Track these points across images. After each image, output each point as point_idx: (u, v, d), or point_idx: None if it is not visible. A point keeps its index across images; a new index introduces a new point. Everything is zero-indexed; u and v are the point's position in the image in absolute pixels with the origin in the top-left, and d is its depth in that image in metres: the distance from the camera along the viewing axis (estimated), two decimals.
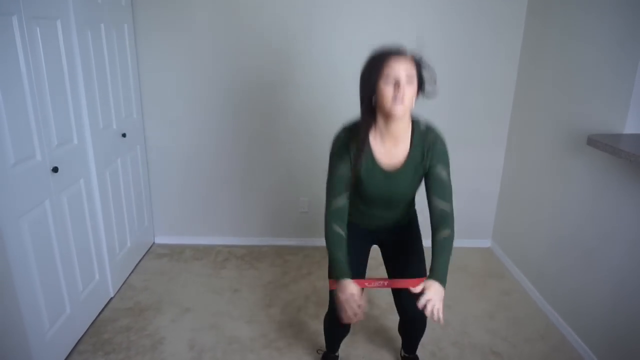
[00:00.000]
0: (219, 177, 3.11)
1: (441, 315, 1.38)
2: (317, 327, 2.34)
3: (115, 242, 2.59)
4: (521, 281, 2.80)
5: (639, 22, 1.86)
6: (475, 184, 3.13)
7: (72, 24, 2.09)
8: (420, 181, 1.61)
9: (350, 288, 1.44)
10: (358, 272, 1.74)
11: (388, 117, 1.45)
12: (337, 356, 2.06)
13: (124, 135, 2.66)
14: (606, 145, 1.81)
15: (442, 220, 1.53)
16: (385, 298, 2.51)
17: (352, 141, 1.53)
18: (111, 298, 2.56)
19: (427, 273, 1.51)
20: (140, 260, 2.99)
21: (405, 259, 1.78)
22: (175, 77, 2.88)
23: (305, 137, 3.01)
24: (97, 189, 2.36)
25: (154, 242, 3.24)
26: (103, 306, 2.47)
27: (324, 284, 2.75)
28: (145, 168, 3.04)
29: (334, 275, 1.51)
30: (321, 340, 2.23)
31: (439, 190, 1.54)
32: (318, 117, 2.96)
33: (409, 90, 1.40)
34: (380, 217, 1.73)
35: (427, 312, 1.37)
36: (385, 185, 1.58)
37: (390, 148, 1.54)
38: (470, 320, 2.44)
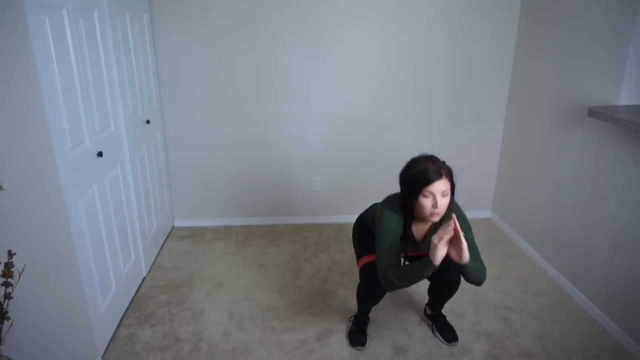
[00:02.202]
0: (233, 161, 3.24)
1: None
2: (344, 293, 2.54)
3: (145, 225, 2.72)
4: (522, 246, 3.04)
5: (630, 1, 2.08)
6: (475, 158, 3.35)
7: (106, 15, 2.19)
8: None
9: (435, 251, 1.60)
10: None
11: (424, 219, 1.78)
12: (369, 318, 2.27)
13: (148, 122, 2.77)
14: (606, 115, 2.03)
15: (477, 275, 1.77)
16: None
17: (399, 223, 1.83)
18: (144, 277, 2.69)
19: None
20: (164, 243, 3.12)
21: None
22: (191, 64, 2.99)
23: (319, 120, 3.17)
24: (131, 173, 2.48)
25: (173, 226, 3.36)
26: (139, 284, 2.61)
27: (342, 256, 2.94)
28: (165, 153, 3.15)
29: (425, 271, 1.68)
30: (349, 305, 2.43)
31: (470, 252, 1.67)
32: (331, 100, 3.12)
33: (444, 202, 1.70)
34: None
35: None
36: (414, 249, 1.95)
37: (419, 226, 1.90)
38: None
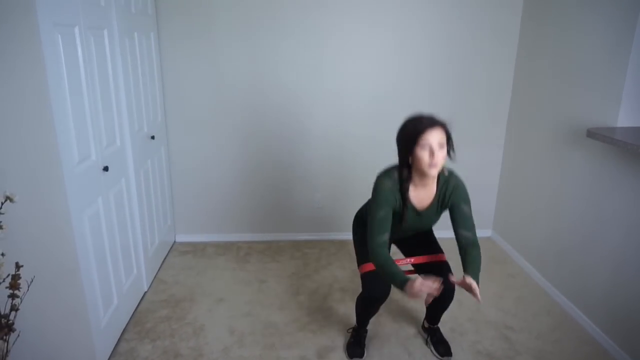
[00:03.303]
0: (236, 177, 3.28)
1: (479, 297, 1.68)
2: (344, 310, 2.54)
3: (148, 240, 2.73)
4: (523, 265, 3.05)
5: (627, 25, 2.13)
6: (476, 177, 3.36)
7: (116, 33, 2.24)
8: (440, 214, 1.93)
9: (417, 281, 1.63)
10: None
11: (423, 174, 1.76)
12: (367, 330, 2.27)
13: (152, 137, 2.80)
14: (605, 137, 2.06)
15: (470, 248, 1.82)
16: None
17: (394, 191, 1.81)
18: (145, 292, 2.70)
19: (443, 251, 2.04)
20: (165, 257, 3.12)
21: (424, 242, 2.11)
22: (195, 82, 3.05)
23: (320, 137, 3.21)
24: (135, 188, 2.50)
25: (175, 241, 3.38)
26: (140, 299, 2.61)
27: (343, 273, 2.94)
28: (168, 169, 3.19)
29: (400, 284, 1.70)
30: (349, 321, 2.43)
31: (464, 223, 1.84)
32: (333, 120, 3.17)
33: (441, 154, 1.69)
34: (403, 235, 2.09)
35: (475, 294, 1.66)
36: (416, 220, 1.91)
37: (420, 193, 1.85)
38: (482, 300, 2.66)
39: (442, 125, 1.71)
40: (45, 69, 1.60)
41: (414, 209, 1.86)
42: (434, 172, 1.71)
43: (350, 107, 3.17)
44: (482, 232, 3.52)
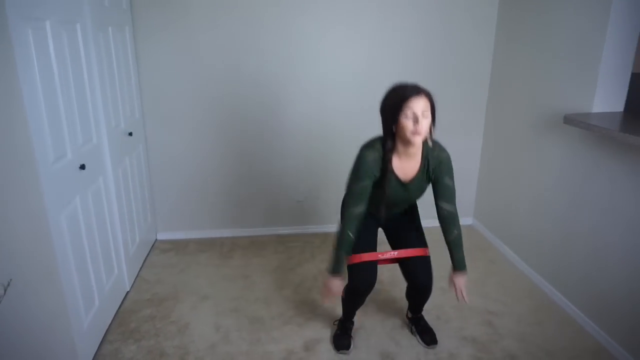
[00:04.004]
0: (216, 172, 3.24)
1: (466, 297, 1.96)
2: (330, 302, 2.54)
3: (128, 238, 2.68)
4: (504, 251, 3.11)
5: (601, 13, 2.18)
6: (456, 166, 3.30)
7: (89, 27, 2.18)
8: (426, 186, 1.94)
9: (338, 283, 1.91)
10: (369, 245, 2.04)
11: (407, 143, 1.75)
12: (353, 322, 2.28)
13: (130, 134, 2.74)
14: (582, 122, 2.11)
15: (450, 221, 1.90)
16: (387, 273, 2.75)
17: (377, 162, 1.80)
18: (127, 291, 2.65)
19: (427, 245, 2.05)
20: (147, 256, 3.07)
21: (407, 235, 2.09)
22: (173, 76, 2.99)
23: (301, 131, 3.19)
24: (114, 186, 2.45)
25: (156, 239, 3.32)
26: (122, 299, 2.56)
27: (327, 265, 2.94)
28: (147, 166, 3.13)
29: (333, 269, 1.90)
30: (335, 313, 2.44)
31: (446, 196, 1.88)
32: (313, 111, 3.16)
33: (425, 122, 1.68)
34: (391, 212, 2.05)
35: (460, 297, 1.96)
36: (401, 192, 1.89)
37: (405, 164, 1.84)
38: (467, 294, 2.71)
39: (427, 94, 1.70)
40: (16, 65, 1.55)
41: (398, 180, 1.84)
42: (417, 140, 1.69)
43: (330, 99, 3.16)
44: (464, 219, 3.56)
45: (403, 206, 2.05)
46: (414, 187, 1.89)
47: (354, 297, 2.10)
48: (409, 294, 2.20)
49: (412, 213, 2.13)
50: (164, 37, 2.91)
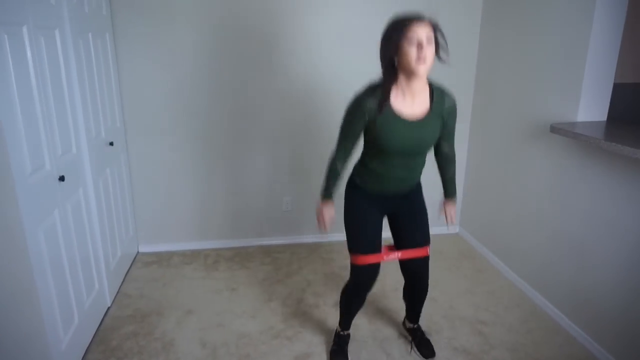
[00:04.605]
0: (200, 182, 3.16)
1: (454, 220, 2.11)
2: (320, 315, 2.49)
3: (109, 252, 2.58)
4: (491, 260, 3.11)
5: (584, 24, 2.21)
6: None
7: (68, 33, 2.10)
8: (439, 132, 1.82)
9: (330, 208, 1.95)
10: (375, 245, 1.93)
11: (410, 75, 1.61)
12: (349, 335, 2.22)
13: (111, 143, 2.66)
14: (567, 131, 2.12)
15: (450, 160, 2.01)
16: (377, 285, 2.71)
17: (371, 98, 1.67)
18: (108, 307, 2.55)
19: (430, 240, 2.02)
20: (129, 270, 2.97)
21: (413, 227, 1.99)
22: (154, 84, 2.92)
23: (286, 139, 3.15)
24: (94, 198, 2.36)
25: (138, 251, 3.22)
26: (103, 316, 2.46)
27: (315, 277, 2.89)
28: (128, 176, 3.03)
29: (324, 194, 1.94)
30: (325, 325, 2.39)
31: (447, 136, 1.92)
32: (298, 119, 3.12)
33: (430, 50, 1.56)
34: (396, 178, 1.86)
35: (450, 223, 2.09)
36: (408, 133, 1.71)
37: (410, 102, 1.70)
38: (454, 296, 2.69)
39: (431, 22, 1.59)
40: None
41: (402, 121, 1.68)
42: (422, 70, 1.57)
43: (314, 107, 3.12)
44: (450, 228, 3.57)
45: (410, 165, 1.85)
46: (424, 128, 1.73)
47: (356, 292, 2.03)
48: (407, 291, 2.16)
49: (418, 201, 2.02)
50: (146, 45, 2.84)
